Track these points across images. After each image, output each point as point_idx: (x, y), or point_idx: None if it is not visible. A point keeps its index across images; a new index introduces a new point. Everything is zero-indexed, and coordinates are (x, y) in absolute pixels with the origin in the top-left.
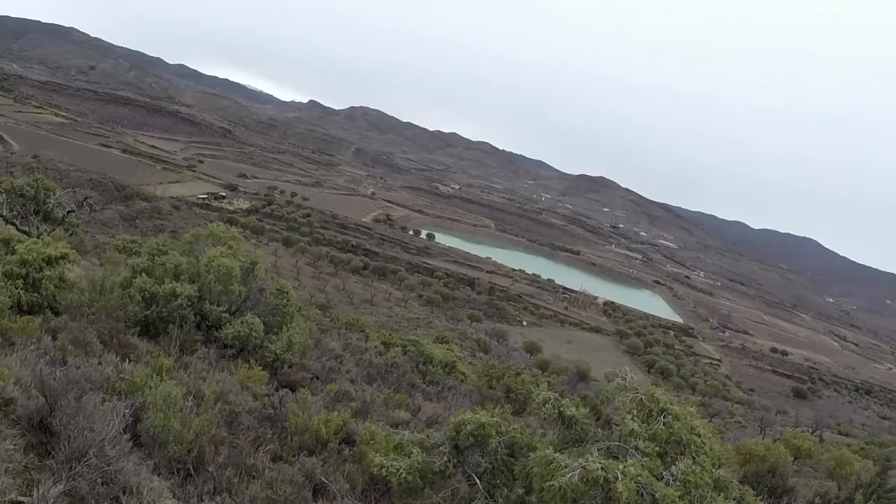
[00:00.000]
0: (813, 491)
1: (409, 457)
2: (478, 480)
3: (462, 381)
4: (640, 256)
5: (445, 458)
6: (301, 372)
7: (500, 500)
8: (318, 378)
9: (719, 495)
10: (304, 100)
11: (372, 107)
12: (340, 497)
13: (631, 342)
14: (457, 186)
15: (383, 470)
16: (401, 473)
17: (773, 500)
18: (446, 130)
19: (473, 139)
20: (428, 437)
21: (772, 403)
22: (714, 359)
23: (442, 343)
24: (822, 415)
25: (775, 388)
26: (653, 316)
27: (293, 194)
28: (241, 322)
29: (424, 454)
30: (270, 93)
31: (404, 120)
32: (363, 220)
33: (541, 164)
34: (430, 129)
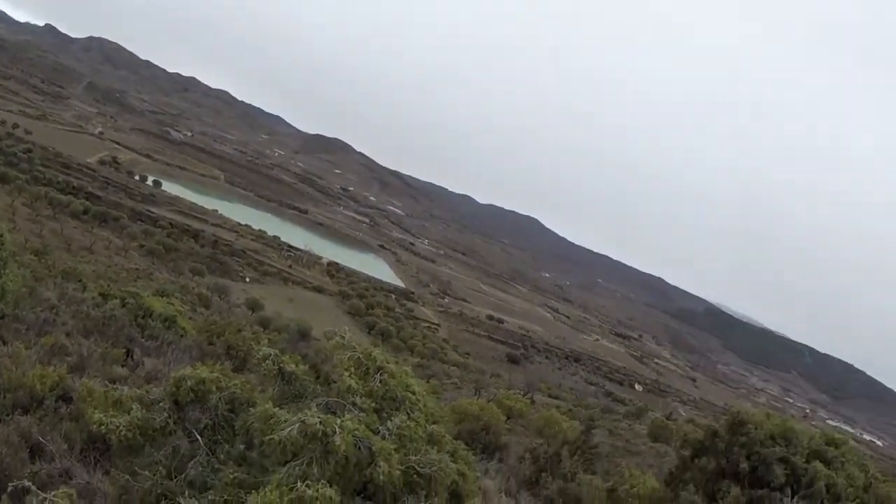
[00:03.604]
0: (524, 447)
1: (129, 413)
2: (199, 437)
3: (182, 336)
4: (368, 220)
5: (166, 415)
6: (14, 323)
7: (222, 455)
8: (31, 330)
9: (433, 448)
10: (41, 23)
11: (112, 39)
12: (59, 457)
13: (353, 303)
14: (189, 133)
15: (103, 427)
16: (120, 430)
17: (487, 456)
18: (185, 74)
19: (213, 86)
20: (148, 392)
21: (487, 367)
22: (433, 323)
23: (163, 296)
24: (534, 379)
25: (490, 353)
26: (376, 279)
27: (15, 125)
28: None
29: (144, 410)
30: (5, 10)
31: (143, 57)
32: (88, 160)
33: (278, 120)
34: (170, 70)
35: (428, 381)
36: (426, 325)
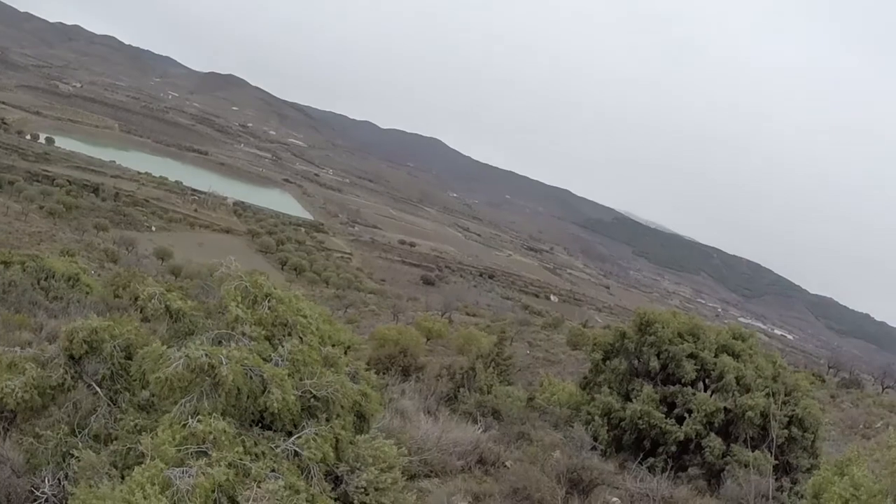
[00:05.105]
0: (441, 365)
1: (24, 374)
2: (98, 389)
3: (88, 293)
4: (270, 155)
5: (62, 370)
6: None
7: (125, 404)
8: None
9: (330, 370)
10: None
11: None
12: None
13: (263, 241)
14: (78, 85)
15: None
16: (16, 392)
17: (405, 377)
18: (69, 23)
19: (98, 32)
20: (43, 351)
21: (403, 291)
22: (346, 253)
23: (67, 256)
24: (451, 299)
25: (405, 278)
26: (283, 214)
27: None
28: None
29: (40, 369)
30: None
31: (22, 10)
32: None
33: (169, 61)
34: (52, 20)
35: (346, 311)
36: (339, 255)
